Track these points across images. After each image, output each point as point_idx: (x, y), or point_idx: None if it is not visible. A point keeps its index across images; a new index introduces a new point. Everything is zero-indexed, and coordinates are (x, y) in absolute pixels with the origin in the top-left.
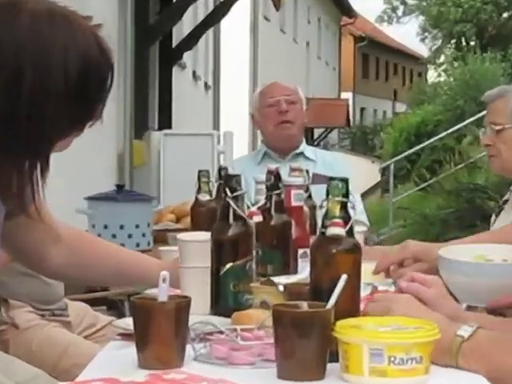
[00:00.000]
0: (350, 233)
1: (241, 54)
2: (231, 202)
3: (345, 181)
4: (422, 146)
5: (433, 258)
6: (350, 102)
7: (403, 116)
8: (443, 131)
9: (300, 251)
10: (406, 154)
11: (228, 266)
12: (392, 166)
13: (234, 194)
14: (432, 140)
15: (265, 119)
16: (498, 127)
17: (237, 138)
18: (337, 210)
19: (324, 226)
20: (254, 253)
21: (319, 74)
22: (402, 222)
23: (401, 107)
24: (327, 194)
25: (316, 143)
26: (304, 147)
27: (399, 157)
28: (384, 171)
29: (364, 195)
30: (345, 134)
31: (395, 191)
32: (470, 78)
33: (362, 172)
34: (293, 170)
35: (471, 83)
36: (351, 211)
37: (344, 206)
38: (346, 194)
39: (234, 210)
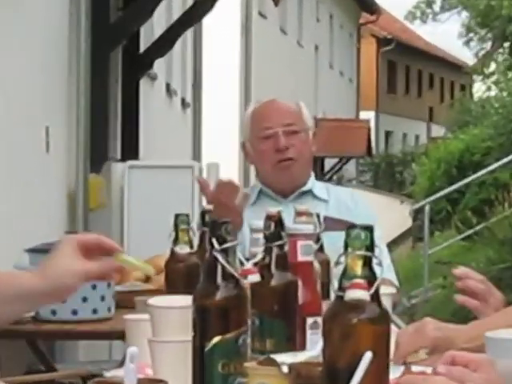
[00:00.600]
0: (376, 297)
1: (229, 62)
2: (219, 257)
3: (369, 229)
4: (466, 181)
5: (458, 349)
6: (372, 124)
7: (441, 142)
8: (494, 162)
9: (309, 320)
10: (446, 191)
11: (215, 340)
12: (427, 208)
13: (223, 246)
14: (480, 174)
15: (259, 155)
16: None
17: (224, 170)
18: (358, 268)
19: (341, 289)
20: (250, 323)
21: (332, 88)
22: (441, 281)
23: (438, 131)
24: (345, 247)
25: (328, 177)
26: (313, 184)
27: (436, 195)
28: (417, 214)
29: (391, 245)
30: (365, 165)
31: (431, 240)
32: None
33: (388, 215)
34: (299, 214)
35: None
36: (377, 269)
37: (368, 262)
38: (371, 247)
39: (223, 267)
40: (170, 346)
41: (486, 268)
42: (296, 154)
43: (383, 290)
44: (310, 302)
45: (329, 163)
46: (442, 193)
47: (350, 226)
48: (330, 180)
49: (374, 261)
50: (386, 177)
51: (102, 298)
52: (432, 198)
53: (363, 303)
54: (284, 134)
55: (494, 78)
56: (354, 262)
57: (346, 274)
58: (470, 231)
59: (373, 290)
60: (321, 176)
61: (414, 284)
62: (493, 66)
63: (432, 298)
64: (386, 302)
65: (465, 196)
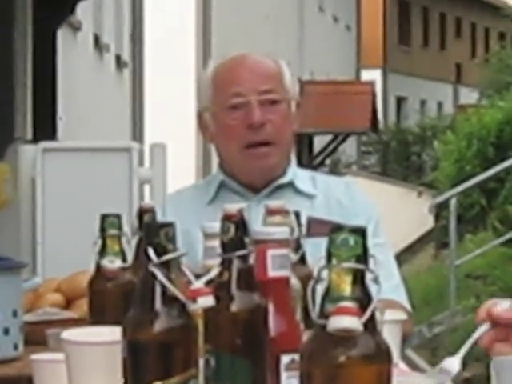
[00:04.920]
0: (372, 326)
1: (182, 7)
2: (157, 273)
3: (360, 232)
4: (506, 164)
5: None
6: (379, 88)
7: (473, 112)
8: None
9: (284, 359)
10: (480, 179)
11: None
12: (454, 202)
13: (163, 258)
14: None
15: (223, 132)
16: None
17: (176, 154)
18: (346, 286)
19: (324, 315)
20: (201, 363)
21: (322, 39)
22: (473, 303)
23: (469, 96)
24: (328, 257)
25: (318, 162)
26: (294, 173)
27: (467, 185)
28: (440, 211)
29: (405, 254)
30: (369, 144)
31: (460, 247)
32: None
33: (400, 213)
34: (271, 212)
35: None
36: (372, 287)
37: (359, 279)
38: (363, 257)
39: (163, 287)
40: None
41: None
42: (274, 135)
43: (389, 315)
44: (286, 333)
45: (320, 142)
46: (473, 181)
47: (333, 229)
48: (321, 165)
49: (368, 276)
50: (398, 160)
51: (6, 331)
52: (460, 188)
53: (353, 335)
54: (259, 105)
55: None
56: (339, 278)
57: (329, 295)
58: None
59: (366, 316)
60: (309, 160)
61: (437, 306)
62: None
63: (461, 325)
64: (393, 332)
65: (504, 185)
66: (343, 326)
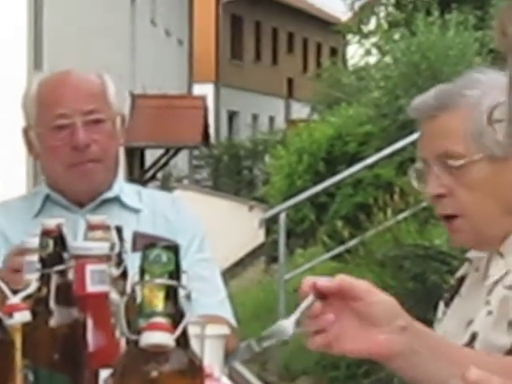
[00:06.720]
0: (184, 341)
1: (13, 18)
2: None
3: (173, 249)
4: (336, 179)
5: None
6: (210, 102)
7: (304, 127)
8: (374, 153)
9: (103, 374)
10: (310, 194)
11: None
12: (283, 216)
13: None
14: (355, 169)
15: (48, 152)
16: (457, 162)
17: (4, 168)
18: (159, 302)
19: (137, 330)
20: (19, 379)
21: (154, 53)
22: None
23: (300, 111)
24: (141, 273)
25: (150, 176)
26: (120, 188)
27: (296, 199)
28: (271, 225)
29: (235, 269)
30: (201, 158)
31: (290, 261)
32: (422, 58)
33: (231, 227)
34: (92, 227)
35: (424, 67)
36: (185, 303)
37: (172, 295)
38: (176, 273)
39: None
40: None
41: None
42: (99, 154)
43: (211, 330)
44: (105, 348)
45: (151, 156)
46: (303, 195)
47: (146, 246)
48: (152, 179)
49: (182, 292)
50: (230, 174)
51: None
52: (290, 202)
53: (165, 350)
54: (84, 126)
55: (374, 39)
56: (152, 293)
57: (142, 311)
58: (341, 248)
59: (178, 331)
60: (140, 174)
61: (267, 321)
62: (373, 23)
63: (291, 339)
64: (215, 347)
65: (335, 200)
66: (155, 342)
